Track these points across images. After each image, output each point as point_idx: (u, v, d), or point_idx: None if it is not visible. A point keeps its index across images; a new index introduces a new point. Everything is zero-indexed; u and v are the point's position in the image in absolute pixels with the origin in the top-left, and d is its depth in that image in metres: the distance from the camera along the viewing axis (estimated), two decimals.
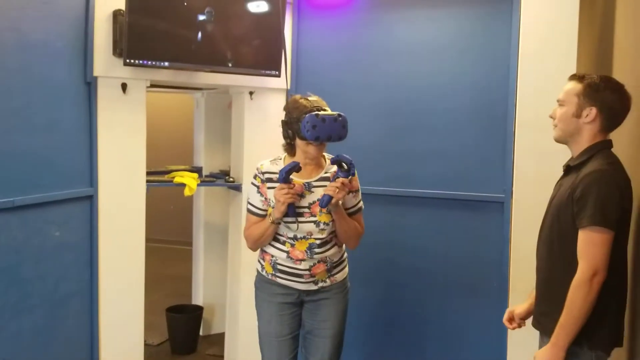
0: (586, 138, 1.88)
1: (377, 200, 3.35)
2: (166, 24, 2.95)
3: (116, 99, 3.01)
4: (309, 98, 2.26)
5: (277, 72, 3.27)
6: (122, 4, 2.86)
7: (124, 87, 3.02)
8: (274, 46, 3.24)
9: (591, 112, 1.85)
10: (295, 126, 2.19)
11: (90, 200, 2.97)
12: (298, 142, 2.26)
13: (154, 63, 2.95)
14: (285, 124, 2.26)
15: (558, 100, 1.96)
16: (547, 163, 2.87)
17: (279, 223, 2.24)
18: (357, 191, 2.39)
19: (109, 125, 3.00)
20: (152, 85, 3.20)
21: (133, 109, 3.07)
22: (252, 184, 2.34)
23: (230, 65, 3.16)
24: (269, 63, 3.24)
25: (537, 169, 2.89)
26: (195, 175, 3.53)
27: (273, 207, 2.23)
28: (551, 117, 1.99)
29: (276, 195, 2.18)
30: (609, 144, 1.89)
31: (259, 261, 2.43)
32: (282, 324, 2.35)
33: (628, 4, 2.46)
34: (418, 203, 3.29)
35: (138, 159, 3.13)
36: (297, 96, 2.30)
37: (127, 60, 2.87)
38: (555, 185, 2.05)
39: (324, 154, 2.36)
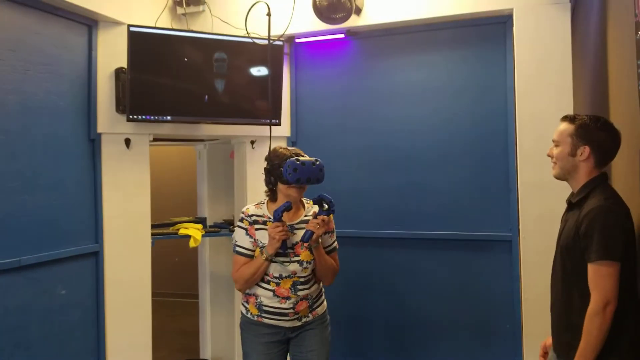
0: (583, 174, 2.02)
1: (381, 243, 3.36)
2: (167, 79, 3.01)
3: (120, 154, 3.05)
4: (289, 148, 2.46)
5: (277, 121, 3.32)
6: (124, 62, 2.93)
7: (127, 142, 3.06)
8: (274, 96, 3.28)
9: (585, 150, 1.99)
10: (277, 172, 2.37)
11: (95, 256, 2.97)
12: (280, 186, 2.41)
13: (156, 118, 3.00)
14: (268, 172, 2.44)
15: (553, 141, 2.10)
16: (552, 198, 2.87)
17: (272, 260, 2.38)
18: (332, 232, 2.57)
19: (114, 180, 3.03)
20: (154, 139, 3.24)
21: (137, 163, 3.11)
22: (239, 227, 2.48)
23: (231, 116, 3.21)
24: (269, 112, 3.28)
25: (542, 205, 2.89)
26: (200, 226, 3.53)
27: (262, 247, 2.39)
28: (549, 155, 2.13)
29: (271, 233, 2.33)
30: (604, 177, 2.02)
31: (242, 304, 2.54)
32: None
33: (618, 40, 2.51)
34: (422, 245, 3.28)
35: (143, 213, 3.14)
36: (278, 147, 2.49)
37: (130, 116, 2.92)
38: (562, 220, 2.15)
39: (303, 199, 2.54)
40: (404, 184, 3.33)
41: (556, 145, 2.08)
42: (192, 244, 3.38)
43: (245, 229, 2.44)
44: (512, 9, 2.99)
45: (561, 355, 2.07)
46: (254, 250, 2.43)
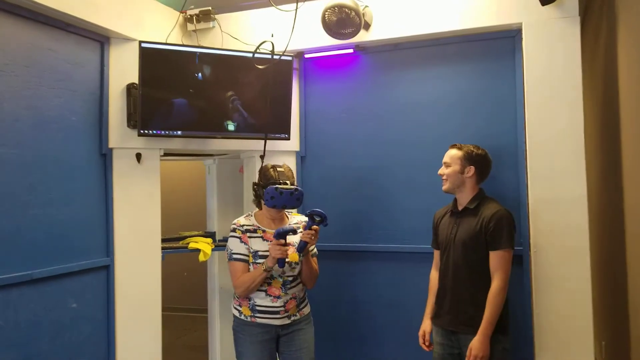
0: (469, 188, 2.69)
1: (393, 257, 3.34)
2: (178, 95, 3.03)
3: (131, 168, 3.07)
4: (278, 169, 2.70)
5: (286, 135, 3.34)
6: (135, 78, 2.97)
7: (138, 157, 3.08)
8: (283, 111, 3.31)
9: (470, 170, 2.68)
10: (261, 191, 2.68)
11: (106, 270, 2.98)
12: (263, 202, 2.69)
13: (167, 132, 3.02)
14: (256, 186, 2.73)
15: (445, 163, 2.73)
16: (562, 213, 2.87)
17: (270, 271, 2.59)
18: None
19: (124, 195, 3.05)
20: (165, 154, 3.26)
21: (147, 177, 3.13)
22: (233, 236, 2.72)
23: (241, 131, 3.23)
24: (278, 127, 3.31)
25: (553, 218, 2.88)
26: (209, 240, 3.53)
27: (253, 253, 2.65)
28: (440, 174, 2.73)
29: (270, 250, 2.56)
30: (484, 191, 2.73)
31: (235, 308, 2.76)
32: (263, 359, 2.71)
33: (629, 53, 2.51)
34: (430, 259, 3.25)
35: (153, 227, 3.16)
36: (269, 165, 2.74)
37: (141, 131, 2.94)
38: (448, 223, 2.74)
39: (286, 211, 2.83)
40: (415, 198, 3.32)
41: (447, 166, 2.70)
42: (201, 258, 3.39)
43: (239, 238, 2.70)
44: (521, 24, 2.99)
45: (464, 330, 2.57)
46: (248, 256, 2.67)
